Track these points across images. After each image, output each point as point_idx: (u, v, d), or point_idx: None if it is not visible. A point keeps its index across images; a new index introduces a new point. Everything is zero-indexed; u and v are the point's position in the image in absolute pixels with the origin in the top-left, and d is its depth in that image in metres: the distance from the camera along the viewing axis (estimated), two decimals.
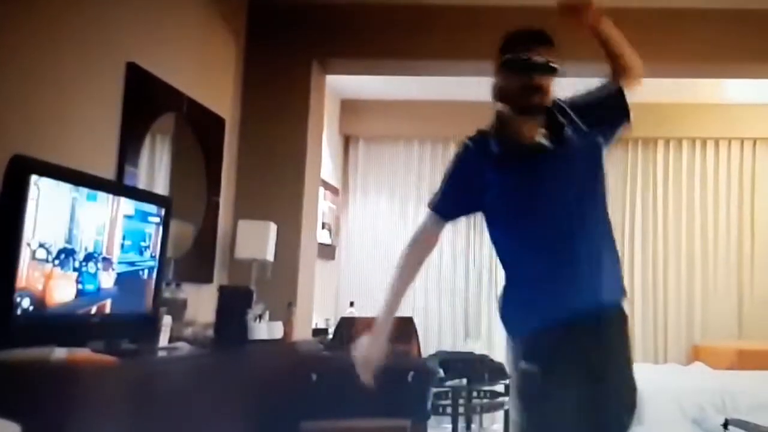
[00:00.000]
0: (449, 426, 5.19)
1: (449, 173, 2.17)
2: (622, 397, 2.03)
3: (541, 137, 2.04)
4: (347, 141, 6.70)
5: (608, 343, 2.01)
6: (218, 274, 4.16)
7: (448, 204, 2.17)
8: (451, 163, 2.18)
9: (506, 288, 2.13)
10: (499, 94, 2.13)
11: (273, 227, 4.17)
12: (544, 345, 1.97)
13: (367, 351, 2.17)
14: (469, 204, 2.17)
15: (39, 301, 2.25)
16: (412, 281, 2.23)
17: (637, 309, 6.27)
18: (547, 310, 2.00)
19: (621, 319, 2.09)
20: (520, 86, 2.03)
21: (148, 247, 2.87)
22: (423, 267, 2.23)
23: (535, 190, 2.06)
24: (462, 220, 6.40)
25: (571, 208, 2.03)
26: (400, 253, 2.21)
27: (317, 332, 5.01)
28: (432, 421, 4.36)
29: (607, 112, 2.17)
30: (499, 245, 2.14)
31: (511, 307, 2.11)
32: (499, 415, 5.61)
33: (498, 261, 2.20)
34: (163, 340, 2.88)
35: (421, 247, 2.21)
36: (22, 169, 2.20)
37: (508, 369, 2.15)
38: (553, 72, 2.02)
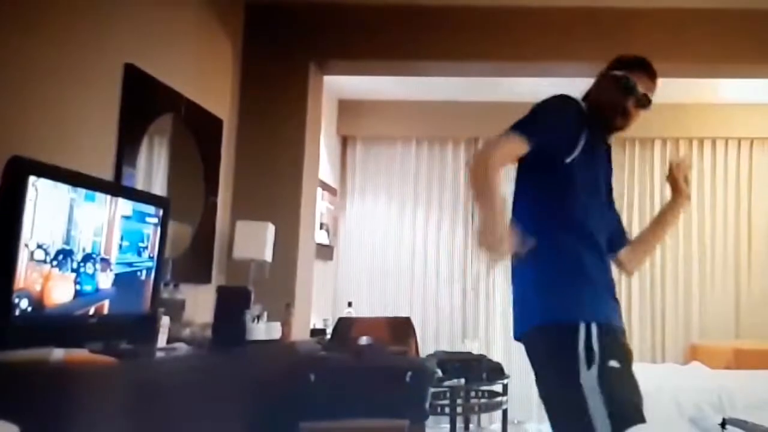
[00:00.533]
0: (447, 426, 5.20)
1: (556, 110, 2.13)
2: None
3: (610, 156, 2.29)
4: (345, 141, 6.70)
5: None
6: (216, 275, 4.16)
7: (541, 133, 2.06)
8: (559, 104, 2.14)
9: (577, 252, 2.07)
10: (593, 99, 2.23)
11: (271, 228, 4.18)
12: (618, 342, 2.03)
13: (495, 229, 1.89)
14: (556, 143, 2.09)
15: (37, 302, 2.26)
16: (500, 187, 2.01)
17: (634, 308, 6.29)
18: (612, 306, 2.10)
19: None
20: (622, 107, 2.15)
21: (146, 247, 2.87)
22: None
23: (601, 185, 2.22)
24: (458, 226, 6.37)
25: (608, 226, 2.26)
26: (481, 171, 1.99)
27: (315, 332, 5.02)
28: (430, 421, 4.36)
29: None
30: (562, 206, 2.11)
31: (588, 284, 2.06)
32: (497, 414, 5.62)
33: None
34: (162, 340, 2.87)
35: (501, 155, 2.03)
36: (21, 170, 2.20)
37: (579, 356, 1.96)
38: (647, 107, 2.18)
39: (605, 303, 2.07)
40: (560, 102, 2.14)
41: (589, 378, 1.92)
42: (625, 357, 2.01)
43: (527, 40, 4.50)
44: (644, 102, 2.16)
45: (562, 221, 2.09)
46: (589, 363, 1.93)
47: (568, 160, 2.08)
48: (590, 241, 2.11)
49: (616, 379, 1.94)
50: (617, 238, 2.35)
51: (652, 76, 2.19)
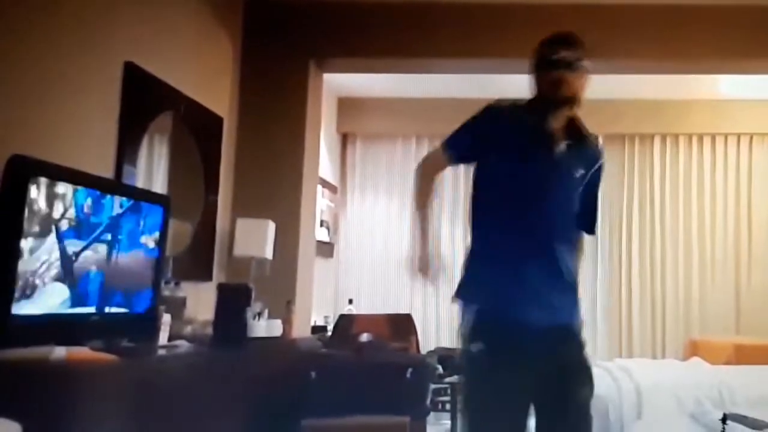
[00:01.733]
0: (448, 422, 5.21)
1: (473, 121, 2.34)
2: None
3: (560, 141, 2.26)
4: (345, 139, 6.70)
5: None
6: (217, 273, 4.17)
7: (460, 147, 2.37)
8: (479, 114, 2.33)
9: (472, 259, 2.30)
10: (534, 91, 2.33)
11: (271, 225, 4.18)
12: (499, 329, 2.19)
13: (418, 253, 2.34)
14: (476, 155, 2.33)
15: (38, 300, 2.26)
16: (432, 194, 2.40)
17: (634, 304, 6.31)
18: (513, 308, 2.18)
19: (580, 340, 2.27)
20: (547, 81, 2.24)
21: (146, 245, 2.87)
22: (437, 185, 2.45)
23: (532, 179, 2.24)
24: (458, 223, 6.37)
25: (552, 216, 2.23)
26: (415, 170, 2.43)
27: (316, 330, 5.03)
28: (431, 417, 4.37)
29: (590, 215, 2.42)
30: (480, 211, 2.30)
31: (474, 283, 2.26)
32: None
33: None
34: (163, 338, 2.88)
35: (430, 164, 2.45)
36: (21, 168, 2.21)
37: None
38: (571, 67, 2.22)
39: (502, 292, 2.19)
40: (479, 111, 2.34)
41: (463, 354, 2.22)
42: (504, 345, 2.13)
43: (527, 37, 4.47)
44: (566, 63, 2.22)
45: (486, 215, 2.29)
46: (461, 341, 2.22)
47: (491, 159, 2.27)
48: (512, 232, 2.21)
49: (474, 364, 2.18)
50: (582, 225, 2.40)
51: (566, 42, 2.27)
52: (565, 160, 2.25)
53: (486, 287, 2.22)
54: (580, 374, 2.22)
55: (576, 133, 2.30)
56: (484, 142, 2.28)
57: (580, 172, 2.27)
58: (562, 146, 2.25)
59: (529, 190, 2.22)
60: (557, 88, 2.22)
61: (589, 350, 2.31)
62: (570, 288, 2.25)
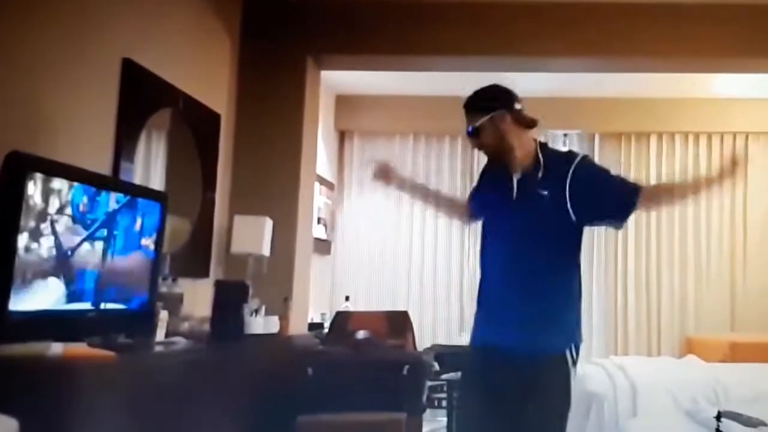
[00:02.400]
0: (444, 419, 5.22)
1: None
2: None
3: (515, 180, 2.41)
4: (342, 136, 6.71)
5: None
6: (214, 269, 4.17)
7: (470, 208, 2.73)
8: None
9: (482, 284, 2.62)
10: None
11: (269, 222, 4.19)
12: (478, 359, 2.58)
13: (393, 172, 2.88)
14: (477, 213, 2.67)
15: (35, 296, 2.26)
16: (441, 204, 2.97)
17: (630, 302, 6.33)
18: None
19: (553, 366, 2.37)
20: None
21: (144, 242, 2.87)
22: (452, 212, 2.94)
23: (499, 221, 2.48)
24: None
25: (524, 249, 2.39)
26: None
27: (313, 326, 5.03)
28: (427, 414, 4.38)
29: (608, 207, 2.41)
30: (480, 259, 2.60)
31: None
32: None
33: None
34: (160, 334, 2.89)
35: (462, 205, 2.81)
36: (18, 164, 2.21)
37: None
38: (477, 135, 2.44)
39: (484, 328, 2.54)
40: None
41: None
42: (478, 368, 2.49)
43: (525, 34, 4.50)
44: (472, 132, 2.45)
45: (481, 262, 2.59)
46: None
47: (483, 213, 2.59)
48: (492, 271, 2.51)
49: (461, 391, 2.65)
50: (614, 214, 2.45)
51: (468, 107, 2.47)
52: (524, 192, 2.38)
53: (476, 326, 2.57)
54: (547, 394, 2.35)
55: (540, 159, 2.39)
56: (477, 199, 2.64)
57: (545, 192, 2.34)
58: (515, 181, 2.40)
59: (500, 233, 2.47)
60: (482, 150, 2.50)
61: (583, 349, 2.37)
62: (547, 312, 2.37)
